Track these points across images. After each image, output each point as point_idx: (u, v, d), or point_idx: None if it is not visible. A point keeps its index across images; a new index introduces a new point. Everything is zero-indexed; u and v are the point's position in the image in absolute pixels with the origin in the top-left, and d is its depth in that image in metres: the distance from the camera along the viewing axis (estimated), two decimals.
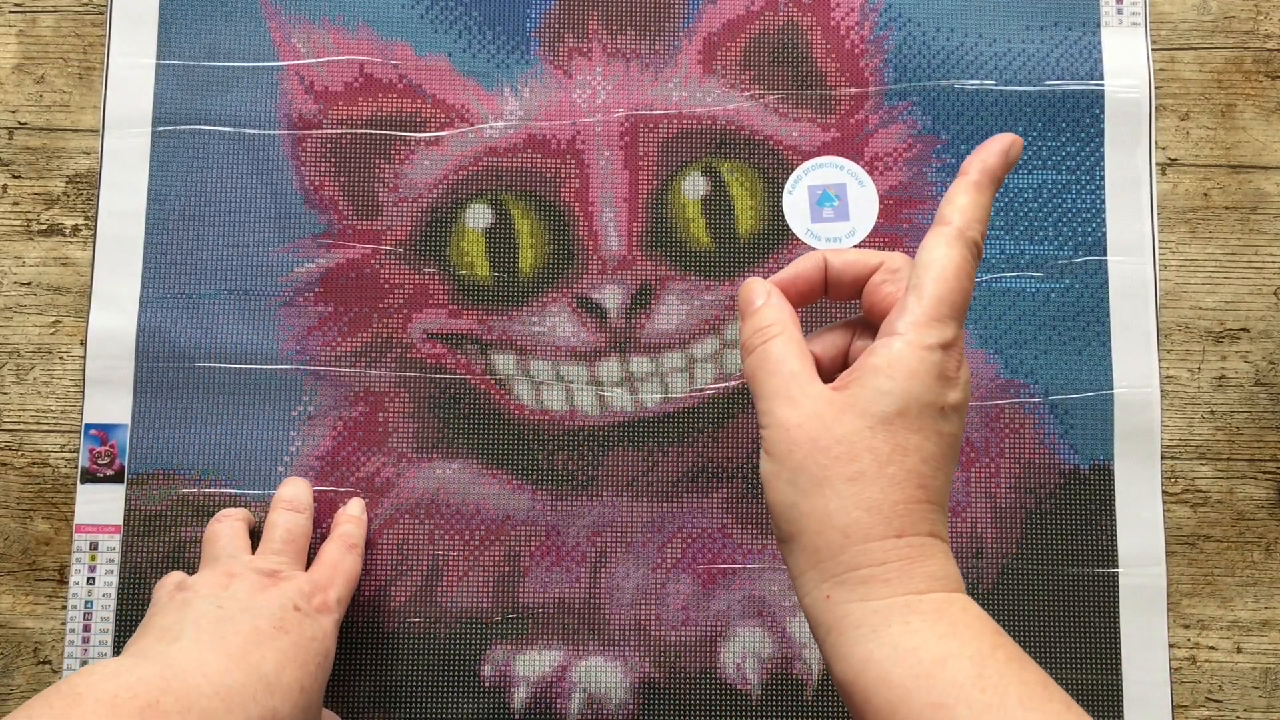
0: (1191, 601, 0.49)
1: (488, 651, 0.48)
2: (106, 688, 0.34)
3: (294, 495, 0.47)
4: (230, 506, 0.49)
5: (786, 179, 0.51)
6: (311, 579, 0.44)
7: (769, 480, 0.33)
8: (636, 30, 0.52)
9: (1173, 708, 0.48)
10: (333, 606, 0.43)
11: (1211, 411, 0.50)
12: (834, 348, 0.37)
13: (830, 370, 0.37)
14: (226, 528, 0.46)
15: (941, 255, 0.33)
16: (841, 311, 0.50)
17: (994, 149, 0.35)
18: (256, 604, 0.41)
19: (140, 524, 0.49)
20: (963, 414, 0.33)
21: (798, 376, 0.33)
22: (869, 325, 0.37)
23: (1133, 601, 0.49)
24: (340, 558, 0.46)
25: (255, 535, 0.48)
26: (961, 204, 0.34)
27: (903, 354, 0.32)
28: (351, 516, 0.48)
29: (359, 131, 0.51)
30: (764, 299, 0.36)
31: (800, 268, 0.37)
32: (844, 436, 0.32)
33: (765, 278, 0.37)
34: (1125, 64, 0.51)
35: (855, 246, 0.51)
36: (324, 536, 0.48)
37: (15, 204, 0.51)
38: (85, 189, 0.51)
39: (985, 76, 0.52)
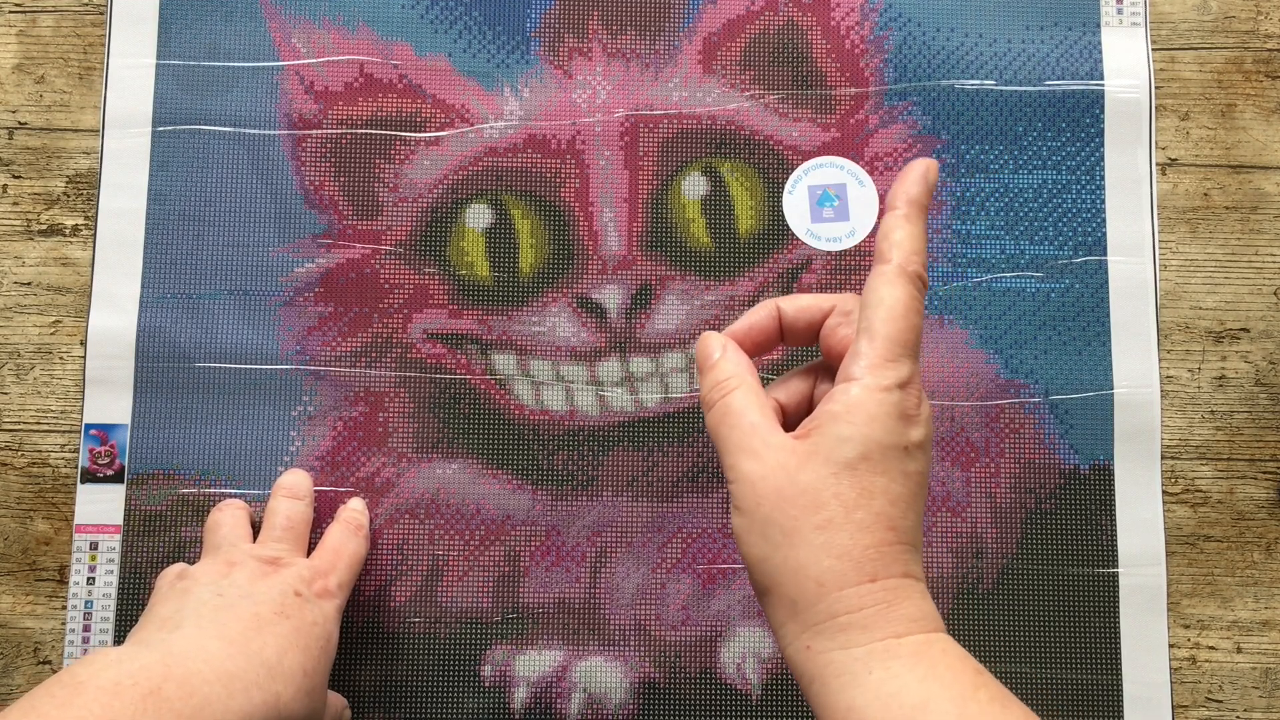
0: (1191, 601, 0.49)
1: (488, 651, 0.48)
2: (108, 675, 0.35)
3: (294, 483, 0.47)
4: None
5: (786, 179, 0.51)
6: (312, 564, 0.44)
7: (740, 535, 0.33)
8: (636, 30, 0.52)
9: (1173, 708, 0.48)
10: (334, 591, 0.43)
11: (1211, 411, 0.50)
12: (797, 393, 0.37)
13: (795, 416, 0.37)
14: (228, 516, 0.46)
15: (887, 295, 0.33)
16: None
17: (912, 178, 0.35)
18: (257, 591, 0.41)
19: (140, 524, 0.49)
20: (928, 451, 0.33)
21: (759, 428, 0.33)
22: (830, 368, 0.37)
23: (1133, 601, 0.49)
24: (343, 542, 0.46)
25: (256, 530, 0.48)
26: (897, 239, 0.34)
27: (860, 399, 0.32)
28: (354, 507, 0.48)
29: (359, 131, 0.51)
30: (720, 352, 0.36)
31: (754, 318, 0.37)
32: (809, 486, 0.32)
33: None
34: (1125, 64, 0.51)
35: (854, 247, 0.51)
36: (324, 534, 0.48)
37: (15, 204, 0.51)
38: (85, 189, 0.51)
39: (985, 76, 0.52)
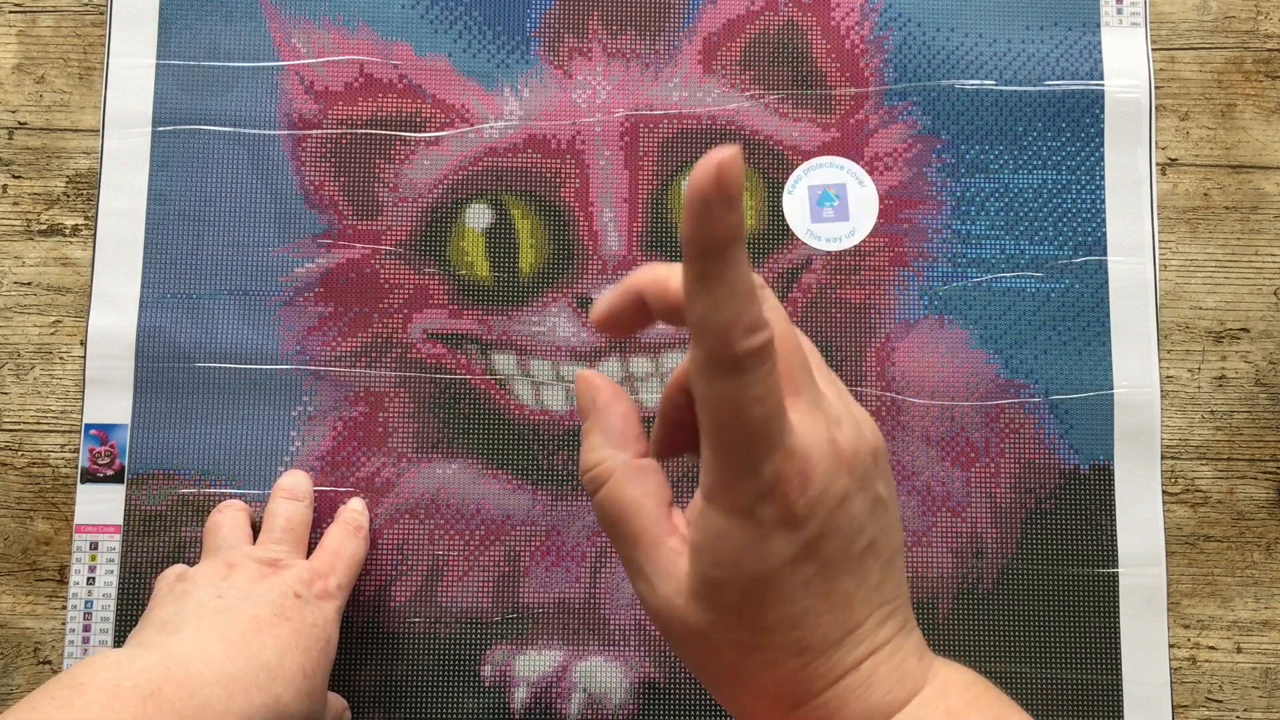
0: (1191, 601, 0.49)
1: (488, 651, 0.48)
2: (108, 677, 0.35)
3: (293, 484, 0.47)
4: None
5: (786, 179, 0.51)
6: (312, 566, 0.44)
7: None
8: (636, 30, 0.52)
9: (1173, 708, 0.48)
10: (334, 592, 0.43)
11: (1211, 411, 0.50)
12: (665, 487, 0.30)
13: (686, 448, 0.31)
14: (228, 518, 0.46)
15: (712, 395, 0.25)
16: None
17: (698, 208, 0.23)
18: (256, 593, 0.41)
19: (140, 524, 0.49)
20: (831, 535, 0.27)
21: (643, 537, 0.28)
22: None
23: (1133, 601, 0.49)
24: (342, 543, 0.46)
25: (256, 531, 0.48)
26: (700, 313, 0.24)
27: (720, 531, 0.26)
28: (354, 507, 0.48)
29: (359, 131, 0.51)
30: (589, 419, 0.30)
31: (617, 299, 0.29)
32: (701, 633, 0.27)
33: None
34: (1125, 64, 0.51)
35: (854, 246, 0.51)
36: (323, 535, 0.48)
37: (15, 204, 0.51)
38: (85, 189, 0.51)
39: (985, 76, 0.51)
